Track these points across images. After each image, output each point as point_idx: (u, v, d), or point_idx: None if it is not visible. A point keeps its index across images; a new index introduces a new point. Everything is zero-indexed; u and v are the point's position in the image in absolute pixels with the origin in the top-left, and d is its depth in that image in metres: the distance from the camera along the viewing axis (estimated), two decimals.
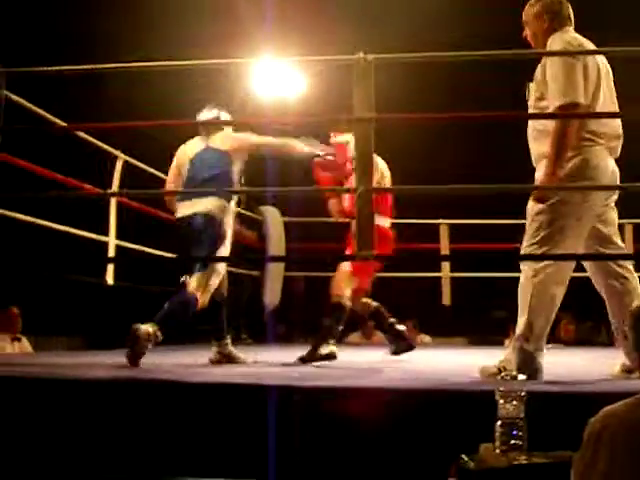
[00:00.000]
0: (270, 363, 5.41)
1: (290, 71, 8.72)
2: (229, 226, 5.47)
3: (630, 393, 2.40)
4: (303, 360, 5.25)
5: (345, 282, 5.46)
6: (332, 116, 4.89)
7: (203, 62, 4.73)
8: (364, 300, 5.80)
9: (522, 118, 4.35)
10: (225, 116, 5.64)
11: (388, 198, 5.70)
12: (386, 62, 4.15)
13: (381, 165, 5.59)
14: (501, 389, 3.00)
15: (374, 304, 5.84)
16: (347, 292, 5.47)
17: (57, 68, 4.75)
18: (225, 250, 5.43)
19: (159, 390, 3.73)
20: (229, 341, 5.60)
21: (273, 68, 8.29)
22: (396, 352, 5.77)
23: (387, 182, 5.61)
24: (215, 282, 5.37)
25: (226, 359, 5.47)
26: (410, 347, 5.80)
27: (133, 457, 3.55)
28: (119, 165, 6.99)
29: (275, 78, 8.91)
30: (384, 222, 5.57)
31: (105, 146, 6.84)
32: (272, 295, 7.51)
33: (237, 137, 5.58)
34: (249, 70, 8.21)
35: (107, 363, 4.98)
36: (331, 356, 5.28)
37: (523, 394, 2.99)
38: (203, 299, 5.25)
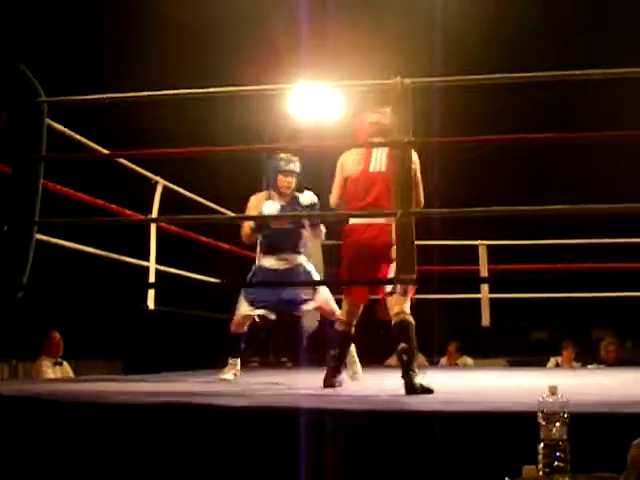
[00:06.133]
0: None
1: (329, 95, 8.77)
2: None
3: None
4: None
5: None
6: (372, 141, 4.88)
7: (241, 89, 4.79)
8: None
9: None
10: None
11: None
12: (423, 86, 4.18)
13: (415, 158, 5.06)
14: (544, 410, 3.00)
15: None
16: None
17: (94, 97, 4.84)
18: None
19: (199, 414, 3.75)
20: None
21: (312, 93, 8.34)
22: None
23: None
24: None
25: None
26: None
27: None
28: (159, 190, 7.06)
29: (314, 103, 8.96)
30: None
31: (145, 172, 6.92)
32: (311, 318, 7.55)
33: None
34: (288, 96, 8.27)
35: (144, 389, 5.02)
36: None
37: (566, 416, 2.98)
38: None
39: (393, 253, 4.68)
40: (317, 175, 6.31)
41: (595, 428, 3.25)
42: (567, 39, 9.39)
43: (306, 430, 3.34)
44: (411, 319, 4.89)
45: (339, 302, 5.61)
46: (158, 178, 7.10)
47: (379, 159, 5.07)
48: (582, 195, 5.68)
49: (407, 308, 4.94)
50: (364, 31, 9.15)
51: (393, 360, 9.31)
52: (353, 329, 5.33)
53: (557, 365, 9.24)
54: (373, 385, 5.51)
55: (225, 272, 7.53)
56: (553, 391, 3.09)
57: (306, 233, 6.20)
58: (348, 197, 5.23)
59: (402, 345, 4.81)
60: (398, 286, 4.77)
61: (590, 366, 8.88)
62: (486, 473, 3.10)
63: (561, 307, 10.06)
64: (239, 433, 3.58)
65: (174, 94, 4.66)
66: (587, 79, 4.56)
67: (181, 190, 7.50)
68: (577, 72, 4.46)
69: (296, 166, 6.17)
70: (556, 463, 2.97)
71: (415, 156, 4.92)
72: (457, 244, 8.98)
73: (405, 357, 4.79)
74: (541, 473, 2.97)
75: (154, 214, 6.96)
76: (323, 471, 3.28)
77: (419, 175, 5.01)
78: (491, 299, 8.89)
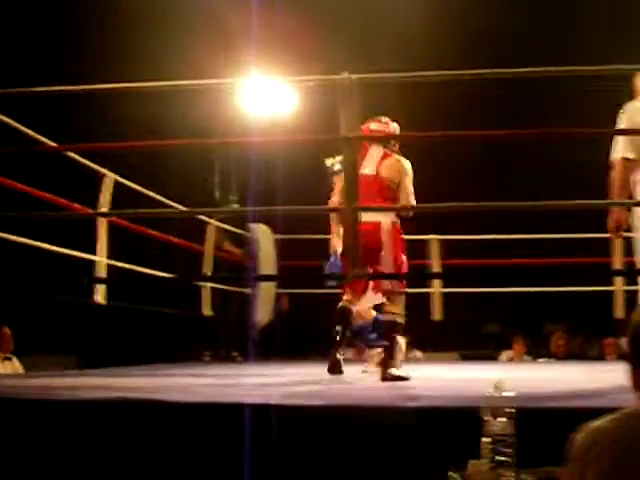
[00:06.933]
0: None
1: (281, 90, 8.74)
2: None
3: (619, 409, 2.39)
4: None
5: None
6: (317, 136, 4.88)
7: (191, 83, 4.75)
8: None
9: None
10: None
11: None
12: (371, 82, 4.17)
13: (407, 166, 5.61)
14: (489, 405, 3.01)
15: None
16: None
17: (40, 89, 4.78)
18: None
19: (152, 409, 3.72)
20: None
21: (263, 87, 8.30)
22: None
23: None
24: None
25: None
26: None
27: (119, 476, 3.54)
28: (109, 184, 6.99)
29: (266, 97, 8.92)
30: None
31: (94, 165, 6.84)
32: (262, 313, 7.54)
33: None
34: (240, 90, 8.23)
35: (95, 383, 4.97)
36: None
37: (512, 411, 3.00)
38: None
39: (385, 250, 5.29)
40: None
41: (540, 422, 3.27)
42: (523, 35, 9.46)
43: (251, 425, 3.32)
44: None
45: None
46: (107, 172, 7.02)
47: (371, 163, 5.47)
48: (532, 191, 5.74)
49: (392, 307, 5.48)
50: (317, 27, 9.15)
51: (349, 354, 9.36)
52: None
53: (508, 359, 9.30)
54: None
55: (176, 266, 7.49)
56: (499, 386, 3.11)
57: None
58: None
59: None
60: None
61: (541, 360, 8.94)
62: (432, 467, 3.11)
63: (513, 301, 10.12)
64: (188, 429, 3.56)
65: (120, 87, 4.62)
66: (544, 76, 4.60)
67: (131, 184, 7.43)
68: (537, 69, 4.50)
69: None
70: (501, 458, 2.99)
71: (407, 164, 5.49)
72: (408, 239, 8.97)
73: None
74: (486, 467, 2.99)
75: (104, 208, 6.88)
76: (268, 465, 3.27)
77: (407, 182, 5.44)
78: (442, 293, 8.93)
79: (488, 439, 2.99)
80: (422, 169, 5.70)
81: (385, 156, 5.54)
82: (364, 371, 6.21)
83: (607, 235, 8.42)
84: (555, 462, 2.72)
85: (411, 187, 5.49)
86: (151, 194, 7.34)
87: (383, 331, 5.49)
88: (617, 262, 8.69)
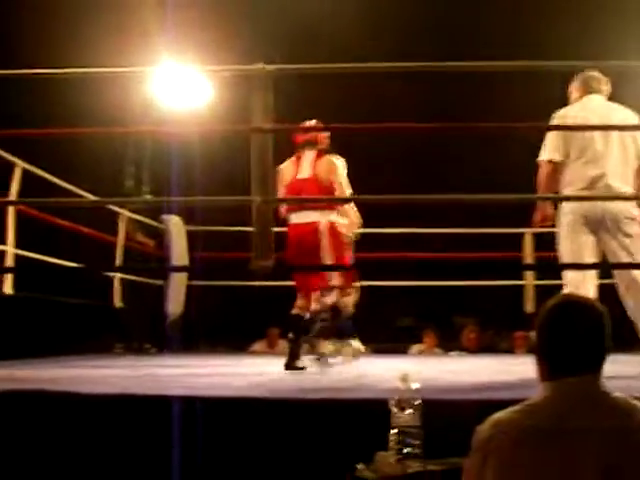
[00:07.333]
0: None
1: (197, 80, 8.67)
2: None
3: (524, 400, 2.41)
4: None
5: None
6: (228, 127, 4.86)
7: (100, 70, 4.67)
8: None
9: None
10: None
11: None
12: (285, 73, 4.15)
13: (339, 164, 5.86)
14: (396, 398, 3.03)
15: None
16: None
17: None
18: None
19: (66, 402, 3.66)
20: None
21: (179, 76, 8.22)
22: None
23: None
24: None
25: None
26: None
27: (35, 470, 3.49)
28: (18, 173, 6.85)
29: (181, 86, 8.83)
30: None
31: (3, 153, 6.70)
32: (175, 304, 7.48)
33: None
34: (152, 79, 8.13)
35: (3, 375, 4.88)
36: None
37: (418, 403, 3.02)
38: None
39: (324, 249, 5.60)
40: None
41: (446, 414, 3.30)
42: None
43: (157, 416, 3.30)
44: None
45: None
46: (17, 160, 6.88)
47: (306, 167, 5.79)
48: (445, 186, 5.78)
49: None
50: (239, 16, 9.11)
51: (259, 346, 9.37)
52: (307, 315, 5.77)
53: (419, 352, 9.36)
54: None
55: (87, 257, 7.38)
56: (405, 379, 3.13)
57: None
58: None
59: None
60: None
61: (452, 353, 9.03)
62: (339, 460, 3.12)
63: (427, 295, 10.20)
64: (103, 421, 3.52)
65: (22, 73, 4.52)
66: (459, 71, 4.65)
67: (41, 172, 7.29)
68: (451, 63, 4.53)
69: None
70: (408, 449, 3.01)
71: (339, 162, 5.80)
72: None
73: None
74: (393, 459, 3.01)
75: (12, 197, 6.74)
76: (173, 455, 3.25)
77: (340, 180, 5.73)
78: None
79: (395, 431, 3.01)
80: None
81: (318, 157, 5.80)
82: (331, 363, 6.29)
83: (519, 230, 8.70)
84: (462, 453, 2.74)
85: (344, 183, 5.74)
86: (62, 184, 7.22)
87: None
88: (528, 257, 8.85)
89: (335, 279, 5.77)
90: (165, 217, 8.02)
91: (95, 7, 8.43)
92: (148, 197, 8.09)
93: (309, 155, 5.83)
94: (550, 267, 6.39)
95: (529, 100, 8.17)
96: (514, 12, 9.47)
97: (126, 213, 7.94)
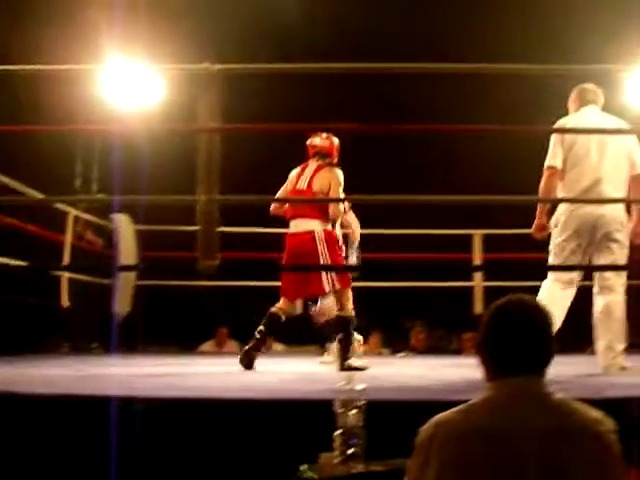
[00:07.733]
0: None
1: (147, 78, 8.60)
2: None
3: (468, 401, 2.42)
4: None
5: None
6: (175, 126, 4.84)
7: (48, 67, 4.62)
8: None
9: None
10: None
11: None
12: (233, 72, 4.14)
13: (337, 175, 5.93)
14: (340, 398, 3.03)
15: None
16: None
17: None
18: None
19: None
20: None
21: (129, 74, 8.15)
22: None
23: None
24: None
25: None
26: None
27: None
28: None
29: (131, 85, 8.75)
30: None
31: None
32: (122, 304, 7.44)
33: None
34: (101, 78, 8.06)
35: None
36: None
37: (362, 403, 3.02)
38: None
39: (320, 258, 5.72)
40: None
41: (390, 415, 3.30)
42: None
43: (110, 417, 3.28)
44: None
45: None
46: None
47: (304, 178, 5.93)
48: (397, 186, 5.79)
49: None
50: (183, 14, 9.07)
51: (207, 346, 9.34)
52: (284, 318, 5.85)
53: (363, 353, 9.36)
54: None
55: (34, 256, 7.30)
56: (349, 379, 3.13)
57: None
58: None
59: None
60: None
61: (400, 354, 9.05)
62: (282, 461, 3.11)
63: (373, 296, 10.22)
64: (41, 422, 3.48)
65: None
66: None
67: None
68: (406, 65, 4.56)
69: None
70: (351, 450, 3.01)
71: (338, 173, 5.88)
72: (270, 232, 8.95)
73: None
74: (337, 460, 3.01)
75: None
76: (111, 456, 3.22)
77: (335, 189, 5.80)
78: None
79: (340, 432, 3.01)
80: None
81: (318, 169, 5.95)
82: (322, 362, 6.52)
83: (469, 232, 8.77)
84: (405, 454, 2.75)
85: (339, 194, 5.82)
86: (9, 182, 7.14)
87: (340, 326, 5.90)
88: (477, 258, 8.92)
89: (333, 284, 5.83)
90: (114, 216, 7.97)
91: (42, 2, 8.36)
92: (99, 196, 8.05)
93: (312, 166, 5.99)
94: (499, 268, 6.44)
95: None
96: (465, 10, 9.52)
97: (74, 212, 7.88)
